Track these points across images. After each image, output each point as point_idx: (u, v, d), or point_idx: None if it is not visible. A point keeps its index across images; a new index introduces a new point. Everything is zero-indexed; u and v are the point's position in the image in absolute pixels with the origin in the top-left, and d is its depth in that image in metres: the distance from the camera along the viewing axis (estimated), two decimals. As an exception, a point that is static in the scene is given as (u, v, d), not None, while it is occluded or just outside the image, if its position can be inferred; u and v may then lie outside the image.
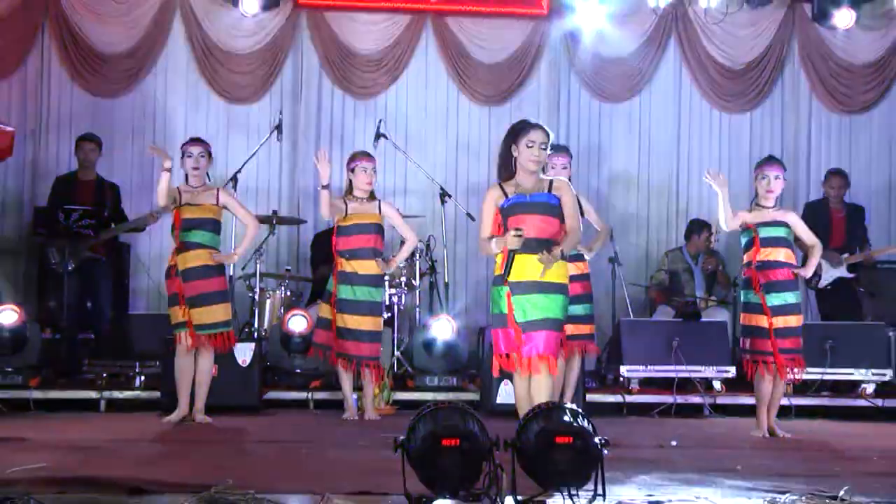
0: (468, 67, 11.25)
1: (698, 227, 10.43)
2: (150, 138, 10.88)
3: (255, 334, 9.31)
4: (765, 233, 7.40)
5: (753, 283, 7.38)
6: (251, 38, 11.03)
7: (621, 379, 9.09)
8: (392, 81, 11.24)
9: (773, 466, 6.13)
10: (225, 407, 8.00)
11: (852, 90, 11.48)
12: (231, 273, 9.57)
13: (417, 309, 10.02)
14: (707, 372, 8.97)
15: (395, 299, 9.41)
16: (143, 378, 8.74)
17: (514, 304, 5.92)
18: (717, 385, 9.07)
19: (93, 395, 8.59)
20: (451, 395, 8.66)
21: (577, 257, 7.64)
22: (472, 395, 8.67)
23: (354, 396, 8.20)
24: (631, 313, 10.15)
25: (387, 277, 8.81)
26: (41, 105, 10.85)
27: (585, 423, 4.86)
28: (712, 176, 7.52)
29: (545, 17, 11.21)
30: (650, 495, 4.98)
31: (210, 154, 7.83)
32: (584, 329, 7.91)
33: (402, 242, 8.40)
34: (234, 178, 9.72)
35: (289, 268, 10.48)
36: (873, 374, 9.07)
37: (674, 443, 7.02)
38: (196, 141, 7.83)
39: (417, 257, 9.71)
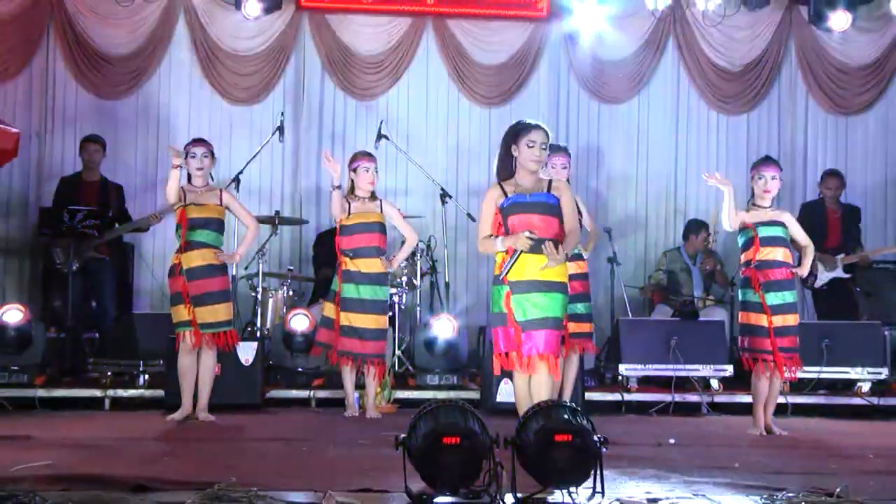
0: (468, 69, 11.26)
1: (696, 228, 10.44)
2: (153, 139, 10.92)
3: (258, 334, 9.32)
4: (764, 232, 7.40)
5: (753, 283, 7.38)
6: (254, 40, 11.03)
7: (620, 378, 9.09)
8: (393, 83, 11.24)
9: (770, 464, 6.14)
10: (228, 405, 8.01)
11: (849, 91, 11.49)
12: (234, 273, 9.58)
13: (418, 308, 10.04)
14: (705, 371, 8.97)
15: (396, 299, 9.41)
16: (146, 377, 8.74)
17: (513, 303, 5.92)
18: (714, 384, 9.07)
19: (97, 393, 8.59)
20: (451, 394, 8.67)
21: (577, 256, 7.64)
22: (473, 394, 8.67)
23: (356, 395, 8.21)
24: (629, 312, 10.15)
25: (388, 277, 8.81)
26: (46, 106, 10.85)
27: (584, 422, 4.86)
28: (717, 178, 7.50)
29: (545, 19, 11.21)
30: (648, 493, 4.98)
31: (213, 154, 7.84)
32: (583, 328, 7.91)
33: (404, 242, 8.40)
34: (237, 179, 9.73)
35: (291, 267, 10.50)
36: (869, 373, 9.08)
37: (672, 441, 7.02)
38: (199, 141, 7.83)
39: (418, 257, 9.72)
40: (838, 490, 4.83)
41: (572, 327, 7.62)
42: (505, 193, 6.03)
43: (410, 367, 9.32)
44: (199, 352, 7.69)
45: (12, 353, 8.63)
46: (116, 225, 9.74)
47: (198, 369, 7.71)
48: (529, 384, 5.97)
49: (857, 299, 10.11)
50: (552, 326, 5.90)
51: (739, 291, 7.57)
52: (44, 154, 10.80)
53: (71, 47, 10.73)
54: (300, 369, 9.08)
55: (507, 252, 5.92)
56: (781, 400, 8.05)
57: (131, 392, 8.65)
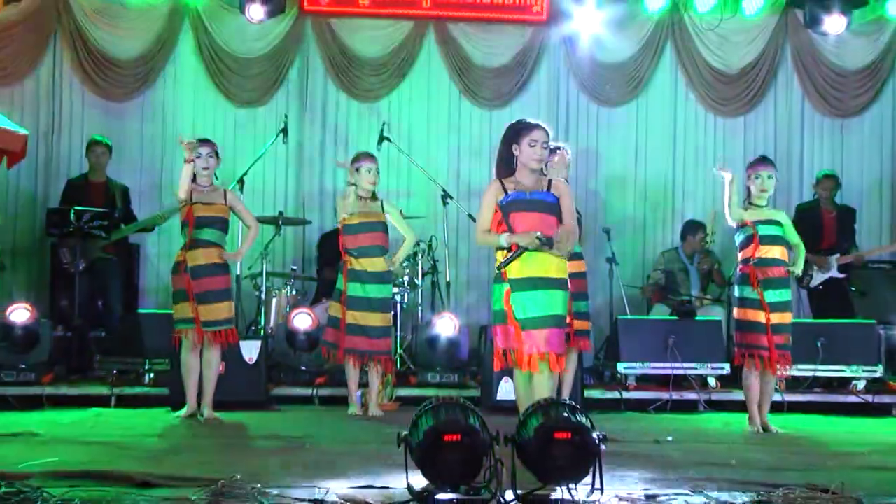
0: (469, 72, 11.25)
1: (693, 228, 10.43)
2: (159, 141, 10.91)
3: (262, 332, 9.31)
4: (763, 230, 7.41)
5: (752, 280, 7.38)
6: (258, 44, 11.03)
7: (618, 376, 9.09)
8: (395, 85, 11.24)
9: (767, 461, 6.13)
10: (232, 403, 8.00)
11: (844, 94, 11.48)
12: (238, 272, 9.59)
13: (420, 307, 10.03)
14: (702, 369, 8.97)
15: (397, 298, 9.40)
16: (152, 375, 8.74)
17: (512, 301, 5.91)
18: (711, 381, 9.08)
19: (103, 391, 8.58)
20: (452, 392, 8.66)
21: (576, 256, 7.63)
22: (474, 392, 8.66)
23: (359, 393, 8.20)
24: (628, 311, 10.14)
25: (391, 275, 8.82)
26: (53, 109, 10.85)
27: (584, 419, 4.86)
28: (722, 170, 7.50)
29: (544, 23, 11.20)
30: (647, 489, 4.98)
31: (218, 154, 7.83)
32: (582, 326, 7.90)
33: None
34: (241, 180, 9.72)
35: (294, 267, 10.49)
36: (864, 371, 9.08)
37: (670, 438, 7.02)
38: (205, 141, 7.81)
39: (420, 257, 9.73)
40: (834, 486, 4.83)
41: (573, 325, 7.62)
42: (505, 190, 6.02)
43: (412, 366, 9.31)
44: (202, 350, 7.68)
45: (20, 351, 8.62)
46: (122, 225, 9.75)
47: (202, 367, 7.70)
48: (530, 382, 5.96)
49: (852, 299, 10.11)
50: (554, 324, 5.88)
51: (737, 288, 7.56)
52: (51, 155, 10.80)
53: (78, 51, 10.73)
54: (303, 367, 9.08)
55: (510, 248, 5.92)
56: (777, 398, 8.06)
57: (137, 390, 8.65)
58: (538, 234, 5.82)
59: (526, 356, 5.87)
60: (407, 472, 4.73)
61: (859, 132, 11.59)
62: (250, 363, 8.37)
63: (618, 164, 11.48)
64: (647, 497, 4.83)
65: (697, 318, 9.44)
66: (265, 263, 9.68)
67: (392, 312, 8.42)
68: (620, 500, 4.75)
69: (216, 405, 7.74)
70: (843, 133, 11.57)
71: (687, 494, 4.90)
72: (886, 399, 9.00)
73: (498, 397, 8.21)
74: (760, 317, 7.36)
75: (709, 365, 8.96)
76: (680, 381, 8.95)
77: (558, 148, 7.67)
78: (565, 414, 4.87)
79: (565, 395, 7.75)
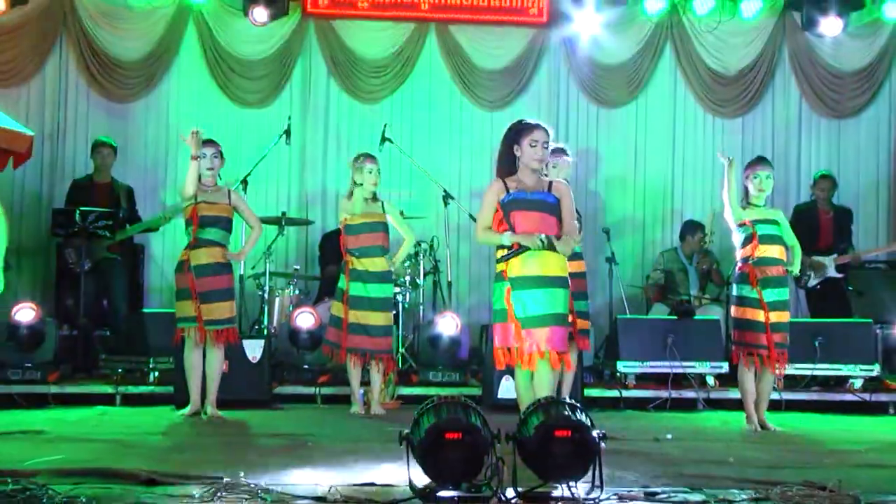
0: (470, 74, 11.26)
1: (692, 228, 10.45)
2: (163, 142, 10.92)
3: (265, 331, 9.31)
4: (763, 230, 7.41)
5: (751, 279, 7.38)
6: (261, 46, 11.03)
7: (618, 374, 9.09)
8: (397, 87, 11.23)
9: (765, 459, 6.13)
10: (236, 401, 8.00)
11: (841, 96, 11.48)
12: (241, 272, 9.60)
13: (421, 307, 10.04)
14: (701, 367, 8.97)
15: (399, 297, 9.41)
16: (156, 373, 8.75)
17: (513, 299, 5.92)
18: (710, 380, 9.07)
19: (108, 389, 8.58)
20: (454, 391, 8.64)
21: (576, 255, 7.62)
22: (475, 390, 8.66)
23: (361, 391, 8.20)
24: (627, 311, 10.14)
25: (393, 276, 8.82)
26: (59, 110, 10.86)
27: (584, 417, 4.86)
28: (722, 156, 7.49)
29: (544, 25, 11.20)
30: (646, 486, 4.98)
31: (222, 155, 7.83)
32: (581, 325, 7.90)
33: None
34: (245, 181, 9.73)
35: (297, 267, 10.50)
36: (861, 370, 9.08)
37: (669, 436, 7.01)
38: (209, 142, 7.81)
39: (421, 257, 9.73)
40: (831, 484, 4.82)
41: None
42: (507, 189, 6.03)
43: (414, 365, 9.32)
44: (205, 348, 7.68)
45: (25, 350, 8.62)
46: (127, 225, 9.75)
47: (205, 366, 7.70)
48: (531, 381, 5.96)
49: (849, 298, 10.11)
50: (554, 322, 5.89)
51: (735, 287, 7.56)
52: (56, 156, 10.80)
53: (83, 52, 10.74)
54: (306, 366, 9.08)
55: (511, 246, 5.92)
56: (775, 396, 8.06)
57: (141, 388, 8.65)
58: (541, 236, 5.83)
59: (526, 354, 5.87)
60: (409, 470, 4.73)
61: (856, 133, 11.58)
62: (254, 362, 8.37)
63: (617, 164, 11.48)
64: (647, 494, 4.83)
65: (696, 317, 9.44)
66: (268, 263, 9.70)
67: (393, 312, 8.43)
68: (620, 497, 4.75)
69: (220, 403, 7.74)
70: (839, 134, 11.57)
71: (686, 492, 4.90)
72: (883, 397, 9.01)
73: (499, 396, 8.22)
74: (759, 315, 7.36)
75: (707, 364, 8.96)
76: (679, 380, 8.95)
77: (561, 149, 7.68)
78: (565, 412, 4.87)
79: (565, 393, 7.75)
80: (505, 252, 5.96)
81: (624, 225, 11.30)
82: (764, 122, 11.58)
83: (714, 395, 8.91)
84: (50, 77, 10.85)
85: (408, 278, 9.57)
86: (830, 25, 11.05)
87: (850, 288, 10.11)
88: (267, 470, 5.32)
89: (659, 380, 9.02)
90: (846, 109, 11.50)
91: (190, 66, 11.04)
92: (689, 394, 8.86)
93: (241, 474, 4.89)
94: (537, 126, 6.08)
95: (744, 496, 4.80)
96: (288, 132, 10.15)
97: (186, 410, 7.69)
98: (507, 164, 6.10)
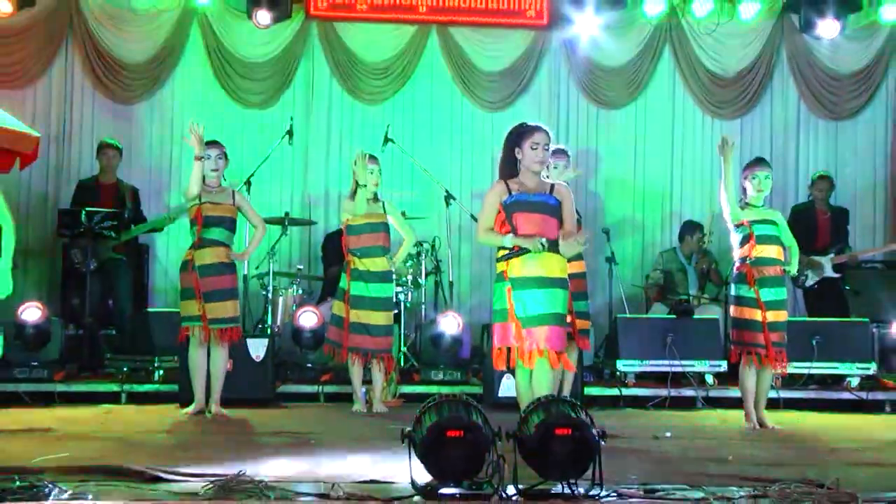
0: (472, 75, 11.26)
1: (691, 229, 10.45)
2: (167, 143, 10.93)
3: (269, 331, 9.32)
4: (760, 230, 7.42)
5: (748, 278, 7.38)
6: (265, 48, 11.04)
7: (618, 373, 9.09)
8: (399, 88, 11.24)
9: (763, 456, 6.13)
10: (240, 400, 8.00)
11: (838, 97, 11.47)
12: (245, 272, 9.60)
13: (423, 306, 10.04)
14: (699, 366, 8.97)
15: (401, 297, 9.41)
16: (161, 372, 8.75)
17: (514, 299, 5.92)
18: (709, 379, 9.06)
19: (114, 388, 8.59)
20: (455, 389, 8.65)
21: (577, 256, 7.62)
22: (476, 389, 8.66)
23: (363, 390, 8.21)
24: (627, 310, 10.14)
25: (394, 276, 8.83)
26: (64, 111, 10.87)
27: (584, 416, 4.86)
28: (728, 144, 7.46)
29: (545, 27, 11.20)
30: (645, 484, 4.98)
31: (226, 156, 7.84)
32: (582, 325, 7.91)
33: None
34: (248, 181, 9.73)
35: (300, 266, 10.50)
36: (858, 369, 9.08)
37: (668, 434, 7.01)
38: (214, 143, 7.81)
39: (423, 257, 9.73)
40: (829, 482, 4.82)
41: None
42: (509, 191, 6.04)
43: (416, 364, 9.32)
44: (210, 347, 7.68)
45: (32, 349, 8.63)
46: (132, 226, 9.76)
47: (209, 365, 7.70)
48: (531, 379, 5.96)
49: (846, 298, 10.12)
50: (553, 322, 5.90)
51: (733, 286, 7.56)
52: (62, 157, 10.81)
53: (89, 54, 10.75)
54: (309, 365, 9.08)
55: (513, 248, 5.93)
56: (773, 394, 8.06)
57: (146, 387, 8.66)
58: (542, 240, 5.85)
59: (526, 353, 5.88)
60: (411, 468, 4.73)
61: (853, 135, 11.58)
62: (257, 361, 8.38)
63: (617, 165, 11.48)
64: (646, 492, 4.83)
65: (695, 316, 9.43)
66: (272, 263, 9.70)
67: (394, 311, 8.43)
68: (619, 494, 4.75)
69: (224, 402, 7.74)
70: (837, 136, 11.56)
71: (684, 489, 4.90)
72: (880, 396, 9.01)
73: (500, 394, 8.22)
74: (757, 315, 7.36)
75: (706, 362, 8.96)
76: (678, 379, 8.94)
77: (561, 150, 7.68)
78: (566, 410, 4.87)
79: (566, 392, 7.75)
80: (506, 252, 5.97)
81: (624, 225, 11.30)
82: (762, 123, 11.58)
83: (713, 393, 8.90)
84: (56, 79, 10.86)
85: (410, 278, 9.57)
86: (828, 28, 11.05)
87: (847, 287, 10.12)
88: (270, 467, 5.32)
89: (658, 378, 9.02)
90: (844, 111, 11.50)
91: (194, 69, 11.06)
92: (688, 392, 8.86)
93: (245, 472, 4.89)
94: (538, 128, 6.09)
95: (742, 494, 4.80)
96: (291, 133, 10.17)
97: (191, 409, 7.69)
98: (508, 167, 6.11)
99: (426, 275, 9.89)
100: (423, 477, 4.74)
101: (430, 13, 11.07)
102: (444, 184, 10.30)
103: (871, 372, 9.12)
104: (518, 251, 5.90)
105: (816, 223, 10.26)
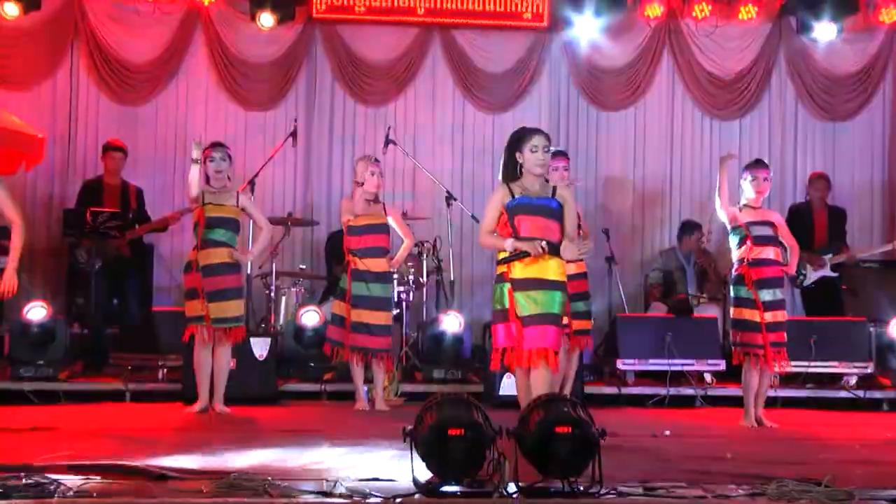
0: (473, 77, 11.25)
1: (690, 228, 10.45)
2: (171, 144, 10.92)
3: (272, 329, 9.32)
4: (756, 231, 7.43)
5: (746, 280, 7.39)
6: (268, 50, 11.04)
7: (617, 372, 9.08)
8: (401, 90, 11.24)
9: (761, 454, 6.14)
10: (243, 398, 8.00)
11: (836, 99, 11.47)
12: (249, 272, 9.59)
13: (424, 305, 10.04)
14: (698, 365, 8.97)
15: (403, 296, 9.41)
16: (165, 370, 8.75)
17: (515, 299, 5.93)
18: (707, 377, 9.06)
19: (119, 386, 8.59)
20: (456, 388, 8.65)
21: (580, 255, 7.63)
22: (477, 388, 8.65)
23: (365, 388, 8.21)
24: (626, 309, 10.14)
25: (395, 276, 8.85)
26: (70, 112, 10.87)
27: (583, 414, 4.86)
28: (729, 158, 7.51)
29: (545, 29, 11.19)
30: (644, 481, 4.98)
31: (230, 157, 7.84)
32: (583, 325, 7.94)
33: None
34: (252, 182, 9.73)
35: (303, 266, 10.51)
36: (855, 368, 9.08)
37: (667, 432, 7.02)
38: (217, 145, 7.83)
39: (425, 256, 9.73)
40: (826, 479, 4.82)
41: (574, 325, 7.64)
42: (512, 194, 6.05)
43: (417, 363, 9.32)
44: (213, 346, 7.68)
45: (37, 348, 8.63)
46: (137, 226, 9.76)
47: (213, 363, 7.70)
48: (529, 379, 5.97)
49: (843, 297, 10.12)
50: (551, 322, 5.91)
51: (732, 288, 7.58)
52: (67, 158, 10.82)
53: (94, 56, 10.75)
54: (312, 364, 9.07)
55: (514, 250, 5.94)
56: (771, 393, 8.06)
57: (151, 385, 8.66)
58: (542, 242, 5.86)
59: (525, 352, 5.89)
60: (412, 465, 4.74)
61: (850, 136, 11.57)
62: (261, 359, 8.38)
63: (617, 166, 11.48)
64: (645, 489, 4.84)
65: (694, 315, 9.43)
66: (275, 263, 9.70)
67: (392, 311, 8.44)
68: (619, 492, 4.75)
69: (228, 400, 7.75)
70: (834, 137, 11.56)
71: (683, 487, 4.91)
72: (877, 394, 9.01)
73: (500, 393, 8.22)
74: (755, 316, 7.38)
75: (705, 361, 8.96)
76: (677, 377, 8.94)
77: (561, 152, 7.69)
78: (566, 409, 4.88)
79: (567, 391, 7.77)
80: (506, 256, 5.98)
81: (623, 225, 11.29)
82: (761, 124, 11.57)
83: (711, 391, 8.90)
84: (61, 80, 10.86)
85: (411, 277, 9.57)
86: (824, 30, 11.05)
87: (845, 287, 10.12)
88: (274, 465, 5.32)
89: (657, 377, 9.02)
90: (841, 112, 11.49)
91: (198, 70, 11.05)
92: (688, 391, 8.86)
93: (249, 469, 4.90)
94: (537, 132, 6.12)
95: (740, 491, 4.81)
96: (294, 134, 10.15)
97: (195, 407, 7.69)
98: (511, 171, 6.12)
99: (428, 274, 9.89)
100: (425, 475, 4.74)
101: (427, 15, 11.04)
102: (445, 184, 10.30)
103: (868, 371, 9.11)
104: (518, 253, 5.90)
105: (813, 223, 10.26)
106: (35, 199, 10.72)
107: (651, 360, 8.98)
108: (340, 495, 4.62)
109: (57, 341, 8.71)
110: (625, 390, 8.91)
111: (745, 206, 7.53)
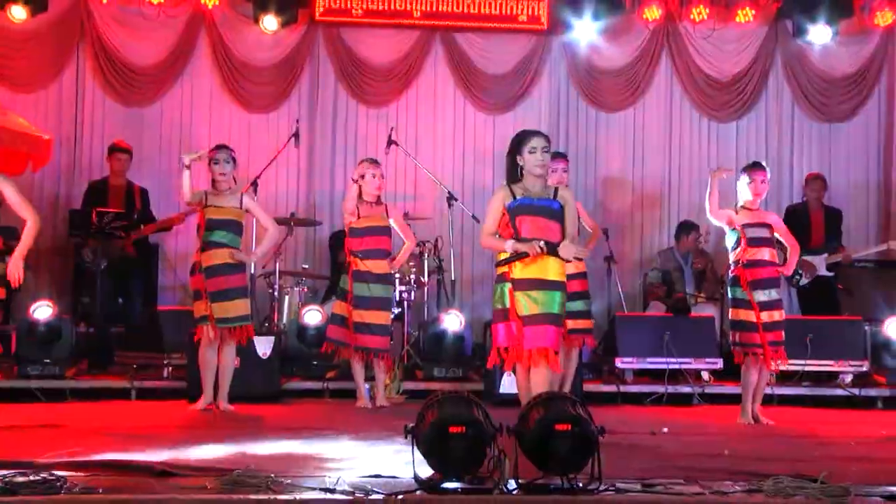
0: (474, 79, 11.26)
1: (688, 229, 10.45)
2: (176, 145, 10.91)
3: (275, 328, 9.32)
4: (751, 233, 7.43)
5: (741, 281, 7.40)
6: (271, 52, 11.05)
7: (616, 370, 9.09)
8: (402, 92, 11.24)
9: (758, 451, 6.15)
10: (247, 396, 8.00)
11: (832, 101, 11.47)
12: (252, 271, 9.59)
13: (426, 305, 10.04)
14: (696, 363, 8.97)
15: (405, 295, 9.42)
16: (170, 368, 8.75)
17: (516, 298, 5.94)
18: (705, 376, 9.06)
19: (124, 384, 8.59)
20: (457, 385, 8.65)
21: (577, 256, 7.63)
22: (477, 386, 8.65)
23: (367, 386, 8.21)
24: (625, 308, 10.14)
25: (397, 275, 8.85)
26: (76, 114, 10.88)
27: (583, 412, 4.87)
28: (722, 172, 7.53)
29: (545, 32, 11.19)
30: (643, 478, 4.99)
31: (234, 159, 7.83)
32: (584, 324, 7.95)
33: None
34: (255, 183, 9.74)
35: (306, 266, 10.50)
36: (851, 366, 9.08)
37: (665, 430, 7.02)
38: (221, 147, 7.83)
39: (426, 256, 9.74)
40: (822, 476, 4.83)
41: (573, 324, 7.68)
42: (513, 195, 6.06)
43: (419, 361, 9.32)
44: (218, 345, 7.69)
45: (44, 346, 8.63)
46: (142, 226, 9.77)
47: (218, 362, 7.71)
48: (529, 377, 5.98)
49: (839, 297, 10.13)
50: (550, 322, 5.92)
51: (729, 289, 7.60)
52: (73, 159, 10.83)
53: (99, 59, 10.76)
54: (314, 362, 9.07)
55: (513, 251, 5.95)
56: (768, 391, 8.06)
57: (156, 383, 8.66)
58: (541, 242, 5.86)
59: (526, 351, 5.89)
60: (414, 462, 4.74)
61: (846, 137, 11.57)
62: (264, 358, 8.38)
63: (616, 166, 11.48)
64: (644, 486, 4.84)
65: (691, 315, 9.43)
66: (278, 262, 9.71)
67: (396, 311, 8.43)
68: (617, 489, 4.76)
69: (231, 398, 7.75)
70: (830, 138, 11.56)
71: (681, 483, 4.91)
72: (872, 392, 9.00)
73: (501, 390, 8.21)
74: (752, 316, 7.39)
75: (703, 359, 8.96)
76: (675, 376, 8.94)
77: (560, 154, 7.70)
78: (565, 407, 4.88)
79: (567, 389, 7.77)
80: (506, 257, 5.99)
81: (622, 225, 11.30)
82: (757, 125, 11.57)
83: (709, 389, 8.89)
84: (67, 82, 10.87)
85: (413, 277, 9.58)
86: (819, 33, 11.06)
87: (840, 286, 10.12)
88: (276, 462, 5.33)
89: (656, 375, 9.02)
90: (837, 114, 11.49)
91: (202, 72, 11.06)
92: (685, 389, 8.85)
93: (252, 466, 4.90)
94: (535, 133, 6.15)
95: (737, 488, 4.82)
96: (297, 135, 10.16)
97: (199, 404, 7.70)
98: (513, 174, 6.13)
99: (429, 274, 9.89)
100: (426, 471, 4.75)
101: (423, 18, 11.03)
102: (446, 185, 10.31)
103: (863, 369, 9.11)
104: (518, 254, 5.91)
105: (810, 222, 10.27)
106: (41, 199, 10.70)
107: (649, 359, 8.97)
108: (343, 492, 4.62)
109: (63, 340, 8.71)
110: (623, 388, 8.91)
111: (742, 207, 7.53)
